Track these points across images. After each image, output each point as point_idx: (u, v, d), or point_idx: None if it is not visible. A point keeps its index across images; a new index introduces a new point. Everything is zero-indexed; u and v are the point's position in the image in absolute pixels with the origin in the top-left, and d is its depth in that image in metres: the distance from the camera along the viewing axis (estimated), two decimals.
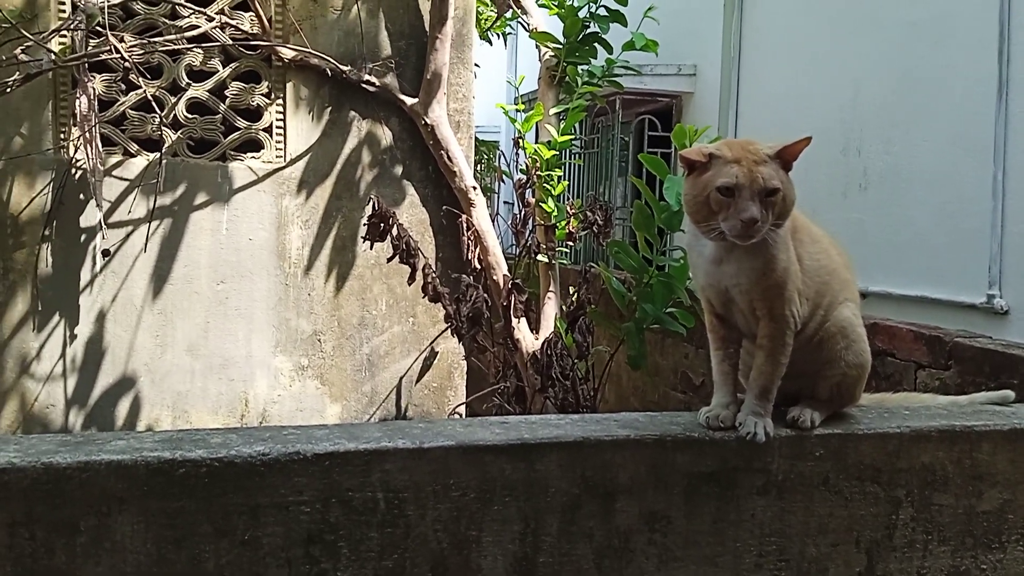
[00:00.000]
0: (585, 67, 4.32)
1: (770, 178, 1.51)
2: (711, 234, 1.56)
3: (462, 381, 4.19)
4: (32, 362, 3.59)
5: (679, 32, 6.09)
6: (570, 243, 4.24)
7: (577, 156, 7.17)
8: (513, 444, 1.54)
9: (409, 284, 3.60)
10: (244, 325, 3.85)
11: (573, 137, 4.25)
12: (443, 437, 1.53)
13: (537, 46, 4.59)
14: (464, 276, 3.25)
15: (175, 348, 3.78)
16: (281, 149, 3.85)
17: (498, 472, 1.53)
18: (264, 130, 3.83)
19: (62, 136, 3.57)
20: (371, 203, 3.42)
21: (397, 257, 3.50)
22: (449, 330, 3.37)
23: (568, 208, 4.11)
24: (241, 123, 3.78)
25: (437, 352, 4.09)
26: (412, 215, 4.00)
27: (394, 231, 3.43)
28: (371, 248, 3.65)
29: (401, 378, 4.09)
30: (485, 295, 3.28)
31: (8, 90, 3.27)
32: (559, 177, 4.11)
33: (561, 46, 4.40)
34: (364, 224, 3.52)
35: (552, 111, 4.15)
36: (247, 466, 1.40)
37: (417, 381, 4.12)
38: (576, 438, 1.58)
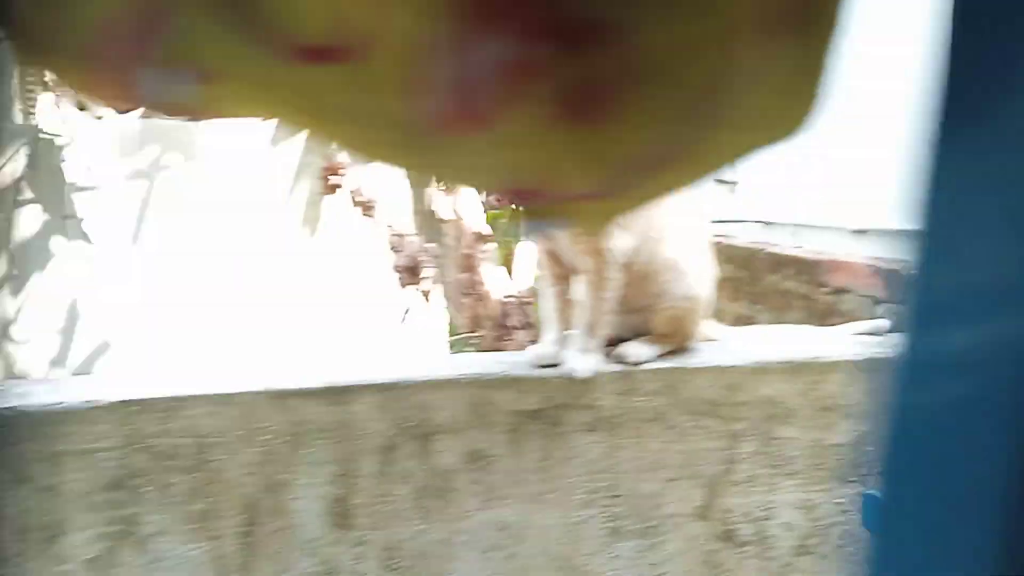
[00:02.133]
0: None
1: None
2: None
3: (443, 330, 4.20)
4: None
5: None
6: None
7: None
8: (322, 387, 1.54)
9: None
10: None
11: None
12: (251, 382, 1.53)
13: None
14: (390, 227, 3.24)
15: None
16: None
17: (307, 415, 1.53)
18: None
19: None
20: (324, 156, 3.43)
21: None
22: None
23: None
24: None
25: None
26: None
27: (351, 184, 3.44)
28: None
29: None
30: (428, 246, 3.27)
31: None
32: None
33: None
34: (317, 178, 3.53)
35: None
36: (42, 415, 1.43)
37: None
38: (389, 379, 1.57)
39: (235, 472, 1.52)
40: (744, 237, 3.28)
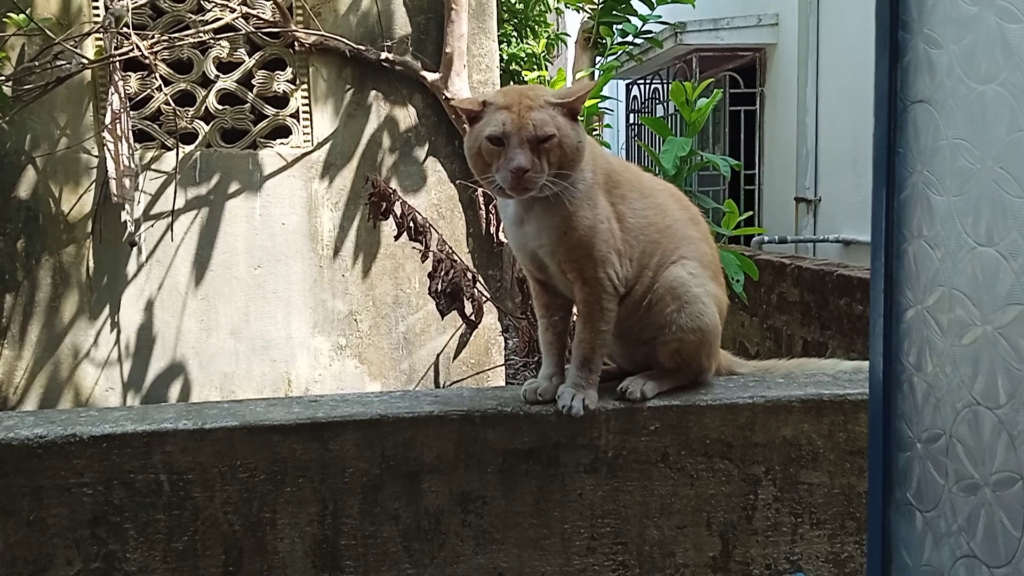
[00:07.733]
0: (619, 26, 4.11)
1: (542, 124, 1.36)
2: (492, 188, 1.44)
3: (500, 356, 4.13)
4: (89, 349, 3.88)
5: None
6: None
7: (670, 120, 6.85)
8: (302, 424, 1.49)
9: (422, 262, 3.57)
10: (282, 307, 3.98)
11: (601, 99, 4.07)
12: (230, 417, 1.50)
13: (577, 9, 4.43)
14: (436, 251, 3.18)
15: (219, 332, 3.97)
16: (308, 133, 3.92)
17: (288, 452, 1.48)
18: (291, 116, 3.90)
19: (103, 135, 3.80)
20: (369, 181, 3.42)
21: (404, 235, 3.48)
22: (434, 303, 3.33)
23: None
24: (269, 110, 3.88)
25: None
26: (441, 191, 3.97)
27: (397, 209, 3.41)
28: (374, 227, 3.66)
29: (438, 355, 4.09)
30: (468, 268, 3.20)
31: (42, 94, 3.52)
32: None
33: (596, 6, 4.22)
34: (363, 204, 3.53)
35: (579, 74, 3.99)
36: (24, 448, 1.43)
37: (455, 358, 4.10)
38: (372, 416, 1.50)
39: (215, 509, 1.48)
40: (817, 258, 3.07)
